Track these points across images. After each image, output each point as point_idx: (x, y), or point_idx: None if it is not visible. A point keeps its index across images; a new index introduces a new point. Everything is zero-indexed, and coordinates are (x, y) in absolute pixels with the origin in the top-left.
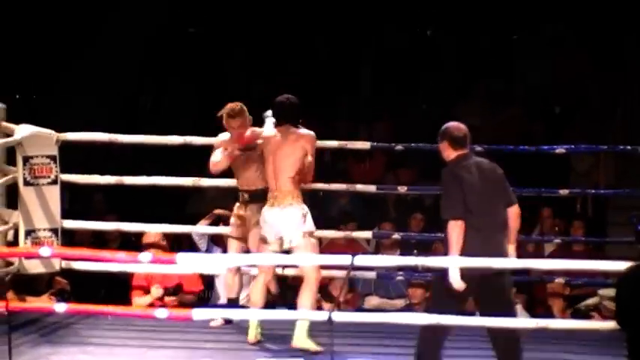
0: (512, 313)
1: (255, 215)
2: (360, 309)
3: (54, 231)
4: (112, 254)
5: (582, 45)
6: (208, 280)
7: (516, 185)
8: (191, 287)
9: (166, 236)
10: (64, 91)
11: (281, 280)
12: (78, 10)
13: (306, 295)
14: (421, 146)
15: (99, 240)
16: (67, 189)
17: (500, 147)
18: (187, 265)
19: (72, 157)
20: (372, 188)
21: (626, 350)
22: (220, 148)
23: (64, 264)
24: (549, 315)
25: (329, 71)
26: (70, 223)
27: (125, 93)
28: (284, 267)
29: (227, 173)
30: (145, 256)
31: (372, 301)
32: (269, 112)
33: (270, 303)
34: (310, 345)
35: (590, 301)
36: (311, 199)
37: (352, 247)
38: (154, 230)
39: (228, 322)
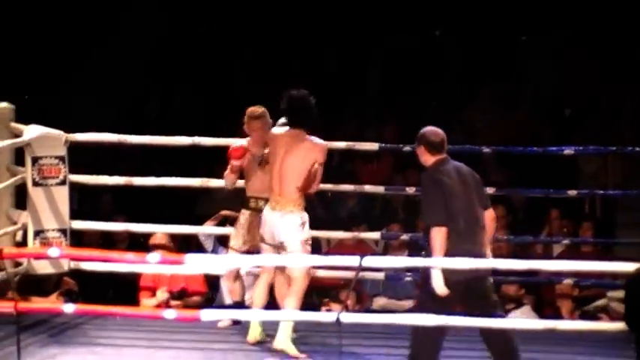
0: (499, 314)
1: None
2: (368, 310)
3: (62, 231)
4: (121, 255)
5: (591, 48)
6: (214, 282)
7: (525, 187)
8: (196, 289)
9: (175, 237)
10: (72, 93)
11: None
12: (87, 12)
13: (292, 300)
14: None
15: (107, 241)
16: (76, 190)
17: (509, 148)
18: (196, 265)
19: (80, 158)
20: (380, 189)
21: (634, 352)
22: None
23: (73, 264)
24: (558, 316)
25: (337, 73)
26: (79, 224)
27: (133, 95)
28: None
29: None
30: (154, 256)
31: (380, 301)
32: (283, 120)
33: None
34: (291, 348)
35: (599, 302)
36: (319, 200)
37: (361, 248)
38: (162, 231)
39: (236, 322)
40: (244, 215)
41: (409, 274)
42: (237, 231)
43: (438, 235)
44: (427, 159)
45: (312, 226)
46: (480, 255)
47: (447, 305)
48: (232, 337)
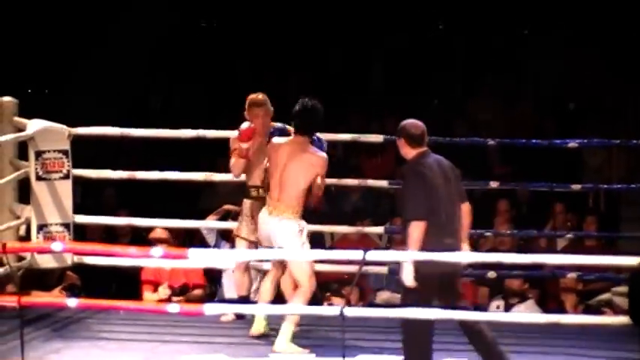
0: (467, 307)
1: None
2: (372, 304)
3: (66, 226)
4: (124, 249)
5: (593, 43)
6: (216, 276)
7: (529, 181)
8: (197, 282)
9: (178, 231)
10: (75, 89)
11: None
12: (91, 7)
13: (299, 302)
14: (433, 139)
15: (111, 235)
16: (79, 184)
17: (513, 141)
18: (199, 260)
19: (84, 152)
20: (384, 184)
21: (638, 345)
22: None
23: (76, 259)
24: (562, 310)
25: (341, 68)
26: (82, 218)
27: (135, 92)
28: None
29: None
30: (157, 251)
31: (384, 295)
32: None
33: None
34: (292, 349)
35: (602, 296)
36: (323, 195)
37: (364, 242)
38: (165, 225)
39: (239, 317)
40: (246, 205)
41: None
42: (244, 220)
43: (417, 230)
44: (408, 152)
45: (316, 221)
46: (459, 250)
47: (429, 298)
48: (236, 331)
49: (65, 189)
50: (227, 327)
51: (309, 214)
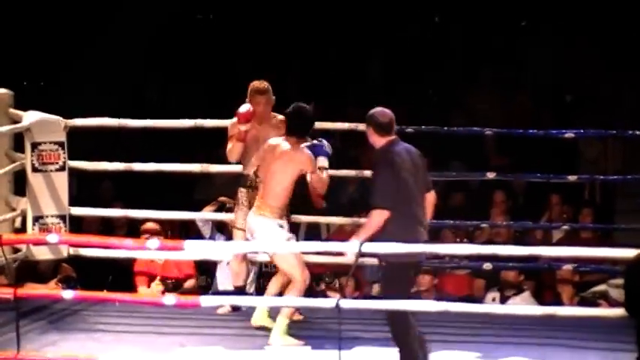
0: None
1: None
2: (368, 296)
3: (62, 217)
4: (120, 241)
5: (591, 34)
6: (210, 268)
7: (525, 172)
8: (188, 272)
9: (173, 223)
10: (71, 79)
11: None
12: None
13: (292, 294)
14: (431, 129)
15: (107, 227)
16: (75, 176)
17: (510, 131)
18: (195, 252)
19: (80, 144)
20: None
21: (634, 337)
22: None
23: (72, 250)
24: (558, 302)
25: (339, 59)
26: (78, 210)
27: (132, 83)
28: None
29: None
30: (153, 243)
31: (379, 288)
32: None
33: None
34: (287, 341)
35: (597, 288)
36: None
37: None
38: (161, 217)
39: (235, 309)
40: (242, 194)
41: None
42: (239, 210)
43: (378, 218)
44: (376, 140)
45: (312, 212)
46: (425, 239)
47: (407, 288)
48: (232, 323)
49: (61, 181)
50: (223, 319)
51: (306, 205)
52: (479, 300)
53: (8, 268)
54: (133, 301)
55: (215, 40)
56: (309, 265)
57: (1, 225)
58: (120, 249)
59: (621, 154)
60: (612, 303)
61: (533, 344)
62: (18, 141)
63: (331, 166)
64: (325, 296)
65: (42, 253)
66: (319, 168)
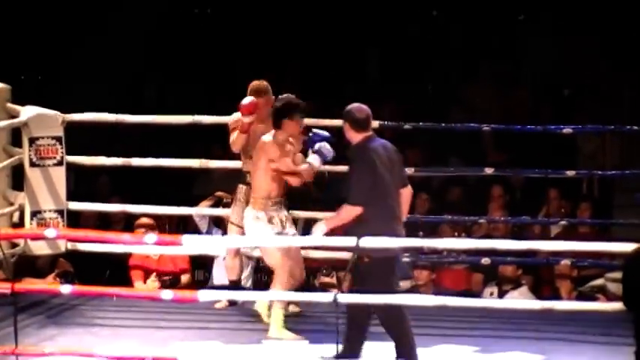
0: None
1: None
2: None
3: (59, 212)
4: (117, 236)
5: (590, 28)
6: (207, 263)
7: (523, 167)
8: (183, 267)
9: (171, 218)
10: (69, 74)
11: None
12: None
13: (277, 288)
14: (429, 125)
15: (104, 222)
16: (73, 171)
17: (508, 127)
18: (193, 246)
19: (77, 139)
20: None
21: (632, 331)
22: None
23: (70, 245)
24: (557, 297)
25: (336, 55)
26: (76, 205)
27: (131, 77)
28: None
29: (235, 155)
30: (151, 237)
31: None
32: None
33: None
34: (285, 335)
35: (595, 282)
36: (316, 181)
37: None
38: (158, 212)
39: (232, 303)
40: (241, 190)
41: (406, 254)
42: (236, 206)
43: (349, 213)
44: (353, 136)
45: (310, 207)
46: (403, 234)
47: (394, 280)
48: (229, 317)
49: (59, 175)
50: (221, 314)
51: (303, 199)
52: (477, 294)
53: (6, 263)
54: (131, 296)
55: (213, 35)
56: (307, 260)
57: None
58: (117, 244)
59: (619, 148)
60: (610, 297)
61: (531, 338)
62: (16, 136)
63: (329, 162)
64: (324, 290)
65: (40, 248)
66: (308, 163)
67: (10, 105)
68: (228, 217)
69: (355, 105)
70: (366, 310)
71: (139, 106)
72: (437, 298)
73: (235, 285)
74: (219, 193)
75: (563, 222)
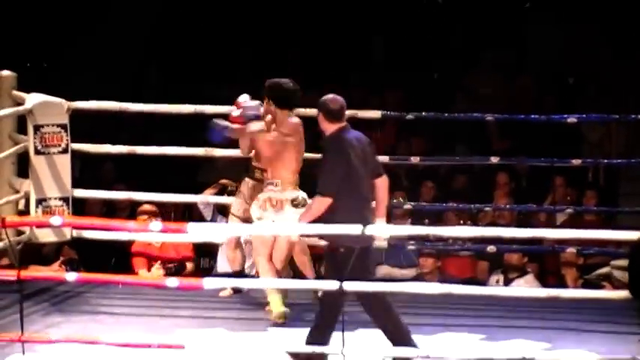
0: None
1: None
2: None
3: (65, 200)
4: (123, 223)
5: (594, 17)
6: (212, 251)
7: (528, 155)
8: (186, 254)
9: (177, 206)
10: (74, 62)
11: None
12: None
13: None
14: (432, 115)
15: (109, 209)
16: (78, 158)
17: (513, 116)
18: (197, 234)
19: (82, 126)
20: (384, 158)
21: (638, 319)
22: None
23: (75, 233)
24: (562, 285)
25: (341, 42)
26: (81, 192)
27: (135, 67)
28: None
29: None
30: (156, 225)
31: (383, 270)
32: None
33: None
34: (275, 307)
35: (601, 270)
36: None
37: None
38: (163, 200)
39: (237, 291)
40: (248, 184)
41: (412, 242)
42: (239, 198)
43: (320, 204)
44: (327, 127)
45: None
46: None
47: (372, 269)
48: (234, 305)
49: (64, 163)
50: (225, 302)
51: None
52: (482, 282)
53: (12, 251)
54: (136, 284)
55: (215, 23)
56: (314, 248)
57: (5, 207)
58: (122, 231)
59: (625, 137)
60: (616, 285)
61: (537, 327)
62: (21, 123)
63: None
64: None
65: (45, 236)
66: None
67: (15, 92)
68: (229, 207)
69: (330, 96)
70: (340, 299)
71: (142, 93)
72: (442, 285)
73: (240, 275)
74: (223, 181)
75: (569, 210)
